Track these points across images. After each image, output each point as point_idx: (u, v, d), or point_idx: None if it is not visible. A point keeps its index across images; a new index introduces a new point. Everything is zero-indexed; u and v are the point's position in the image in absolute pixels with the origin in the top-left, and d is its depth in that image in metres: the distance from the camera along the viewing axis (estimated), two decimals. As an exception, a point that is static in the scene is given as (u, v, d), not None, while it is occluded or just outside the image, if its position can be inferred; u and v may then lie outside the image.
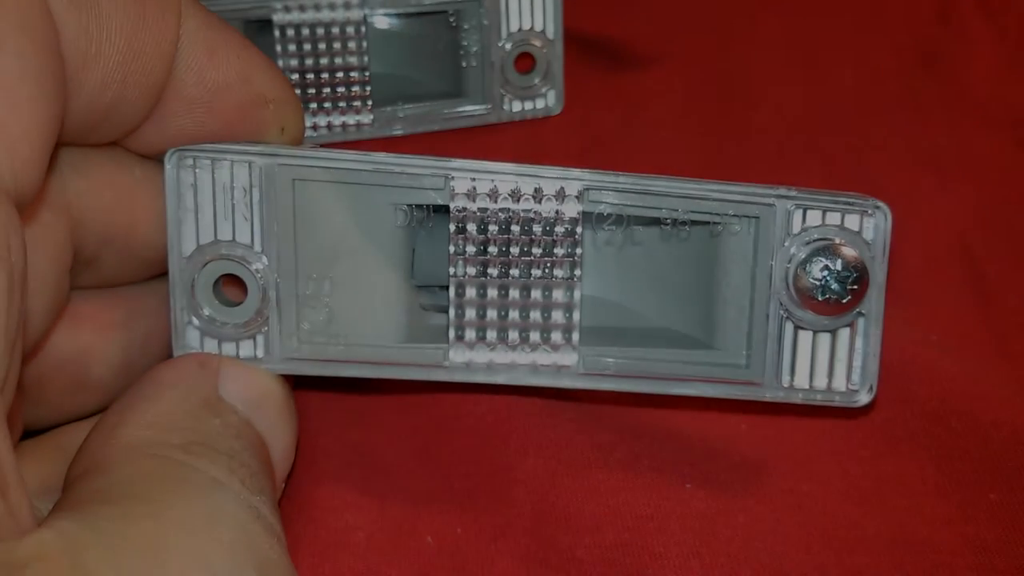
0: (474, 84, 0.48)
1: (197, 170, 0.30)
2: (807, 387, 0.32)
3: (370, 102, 0.46)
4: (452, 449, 0.37)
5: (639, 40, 0.53)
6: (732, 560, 0.34)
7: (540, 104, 0.49)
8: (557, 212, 0.31)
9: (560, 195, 0.31)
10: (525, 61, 0.48)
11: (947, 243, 0.44)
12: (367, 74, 0.46)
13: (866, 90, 0.51)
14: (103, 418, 0.28)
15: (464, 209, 0.31)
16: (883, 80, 0.51)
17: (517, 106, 0.49)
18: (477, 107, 0.48)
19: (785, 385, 0.32)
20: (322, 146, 0.36)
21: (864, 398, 0.32)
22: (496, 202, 0.31)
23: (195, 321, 0.31)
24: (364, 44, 0.45)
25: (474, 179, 0.31)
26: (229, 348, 0.31)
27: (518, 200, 0.31)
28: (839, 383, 0.32)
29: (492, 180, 0.31)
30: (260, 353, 0.31)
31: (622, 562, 0.33)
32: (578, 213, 0.31)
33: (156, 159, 0.31)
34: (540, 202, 0.31)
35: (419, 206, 0.32)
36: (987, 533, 0.34)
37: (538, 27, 0.47)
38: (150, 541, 0.23)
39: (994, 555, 0.34)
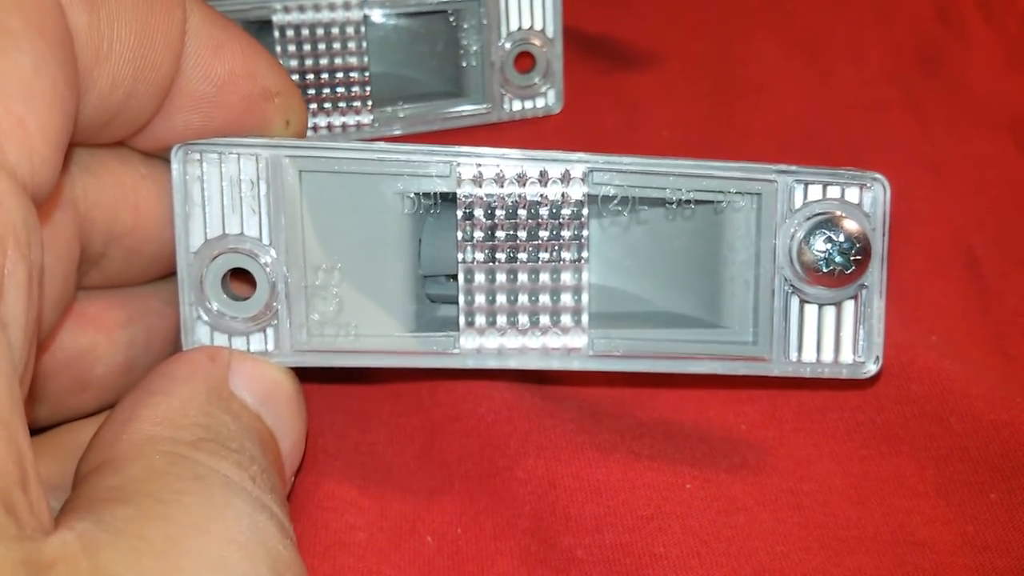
0: (474, 83, 0.48)
1: (204, 164, 0.30)
2: (814, 361, 0.33)
3: (370, 102, 0.46)
4: (452, 449, 0.37)
5: (639, 40, 0.53)
6: (732, 560, 0.34)
7: (540, 103, 0.49)
8: (563, 195, 0.31)
9: (565, 178, 0.31)
10: (525, 60, 0.48)
11: (947, 243, 0.44)
12: (367, 74, 0.46)
13: (866, 90, 0.51)
14: (114, 412, 0.28)
15: (471, 195, 0.31)
16: (883, 80, 0.51)
17: (517, 105, 0.49)
18: (477, 106, 0.48)
19: (793, 360, 0.33)
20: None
21: (872, 368, 0.33)
22: (502, 187, 0.31)
23: (204, 316, 0.31)
24: (364, 44, 0.45)
25: (479, 165, 0.31)
26: (239, 342, 0.31)
27: (524, 184, 0.31)
28: (846, 356, 0.33)
29: (497, 165, 0.31)
30: (270, 347, 0.31)
31: (622, 562, 0.33)
32: (583, 195, 0.31)
33: (161, 156, 0.31)
34: (546, 185, 0.31)
35: (426, 194, 0.32)
36: (987, 533, 0.34)
37: (538, 26, 0.48)
38: (167, 542, 0.23)
39: (994, 555, 0.34)
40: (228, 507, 0.25)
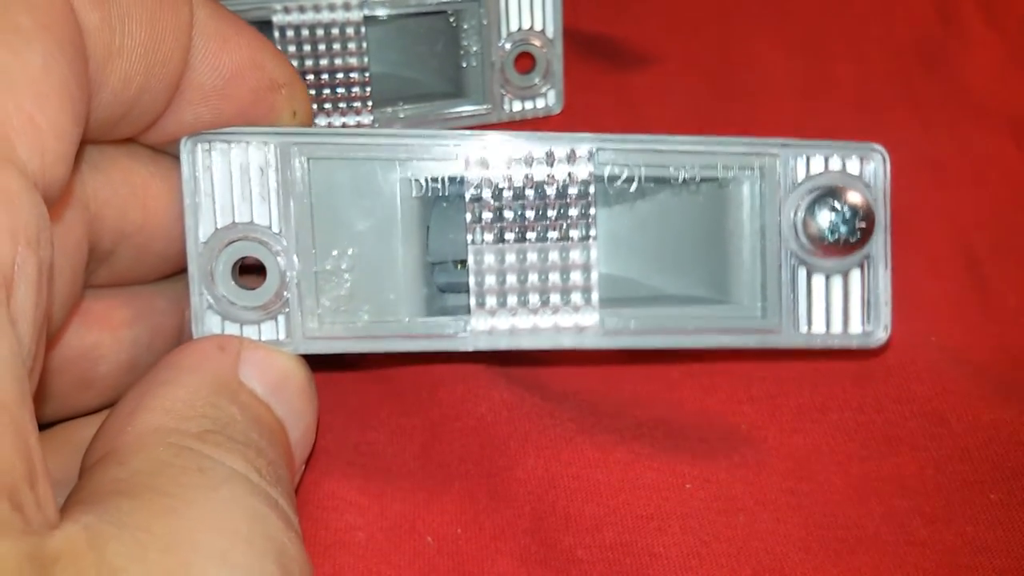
0: (474, 84, 0.48)
1: (213, 154, 0.30)
2: (824, 332, 0.33)
3: (370, 102, 0.46)
4: (452, 449, 0.37)
5: (639, 40, 0.53)
6: (732, 560, 0.34)
7: (540, 104, 0.49)
8: (569, 174, 0.32)
9: (571, 157, 0.32)
10: (525, 61, 0.48)
11: (947, 243, 0.44)
12: (367, 74, 0.46)
13: (866, 90, 0.51)
14: (121, 402, 0.28)
15: (478, 177, 0.31)
16: (883, 80, 0.51)
17: (517, 106, 0.49)
18: (477, 107, 0.48)
19: (803, 332, 0.33)
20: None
21: (882, 336, 0.33)
22: (509, 168, 0.31)
23: (215, 305, 0.31)
24: (364, 44, 0.45)
25: (486, 147, 0.31)
26: (250, 331, 0.31)
27: (530, 165, 0.31)
28: (855, 326, 0.33)
29: (504, 147, 0.31)
30: (281, 335, 0.31)
31: (622, 562, 0.34)
32: (589, 174, 0.32)
33: (170, 151, 0.31)
34: (552, 166, 0.31)
35: (433, 179, 0.32)
36: (987, 533, 0.34)
37: (538, 26, 0.47)
38: (172, 536, 0.23)
39: (994, 555, 0.34)
40: (233, 500, 0.25)
